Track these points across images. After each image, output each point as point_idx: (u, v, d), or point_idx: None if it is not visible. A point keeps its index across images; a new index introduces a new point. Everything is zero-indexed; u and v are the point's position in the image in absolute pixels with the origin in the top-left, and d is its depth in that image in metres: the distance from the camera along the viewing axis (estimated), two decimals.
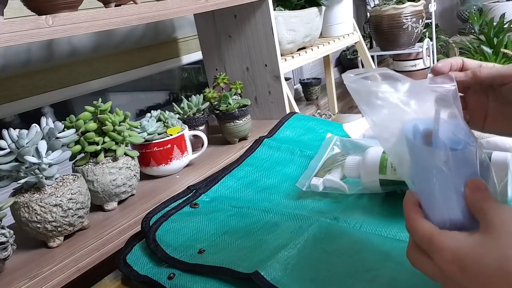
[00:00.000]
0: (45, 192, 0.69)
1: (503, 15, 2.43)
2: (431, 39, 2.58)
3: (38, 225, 0.67)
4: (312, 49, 1.47)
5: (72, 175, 0.75)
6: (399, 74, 0.40)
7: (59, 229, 0.69)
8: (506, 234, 0.31)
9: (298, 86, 2.49)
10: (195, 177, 0.92)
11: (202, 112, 1.09)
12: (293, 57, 1.35)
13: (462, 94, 0.50)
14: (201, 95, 1.11)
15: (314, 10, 1.42)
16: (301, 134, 0.92)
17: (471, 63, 0.49)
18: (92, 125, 0.79)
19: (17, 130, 0.68)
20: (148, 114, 0.95)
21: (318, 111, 2.17)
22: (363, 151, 0.67)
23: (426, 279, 0.36)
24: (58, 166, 0.71)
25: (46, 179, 0.69)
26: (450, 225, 0.35)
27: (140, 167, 0.89)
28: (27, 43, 0.66)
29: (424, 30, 2.57)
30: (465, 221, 0.35)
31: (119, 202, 0.84)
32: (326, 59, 2.06)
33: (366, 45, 2.28)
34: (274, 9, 1.26)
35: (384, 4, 2.40)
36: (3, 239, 0.63)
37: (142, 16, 0.82)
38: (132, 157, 0.84)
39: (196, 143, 1.01)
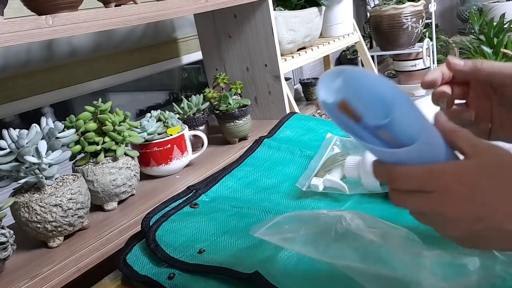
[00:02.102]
0: (45, 192, 0.69)
1: (503, 15, 2.43)
2: (431, 39, 2.58)
3: (38, 225, 0.67)
4: (312, 49, 1.47)
5: (72, 175, 0.75)
6: None
7: (59, 229, 0.69)
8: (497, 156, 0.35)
9: (298, 86, 2.49)
10: (195, 177, 0.92)
11: (202, 112, 1.09)
12: (293, 57, 1.35)
13: (463, 101, 0.48)
14: (201, 95, 1.11)
15: (314, 10, 1.42)
16: (301, 134, 0.92)
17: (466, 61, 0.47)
18: (92, 125, 0.79)
19: (17, 130, 0.68)
20: (148, 114, 0.95)
21: (318, 111, 2.17)
22: (363, 151, 0.67)
23: None
24: (58, 166, 0.71)
25: (46, 179, 0.69)
26: None
27: (140, 167, 0.89)
28: (27, 43, 0.66)
29: (424, 30, 2.57)
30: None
31: (119, 202, 0.84)
32: (326, 59, 2.06)
33: (366, 45, 2.28)
34: (274, 9, 1.26)
35: (384, 4, 2.40)
36: (3, 239, 0.63)
37: (142, 16, 0.82)
38: (132, 157, 0.84)
39: (196, 143, 1.01)
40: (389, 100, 0.36)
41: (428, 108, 0.73)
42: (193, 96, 1.10)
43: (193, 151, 0.98)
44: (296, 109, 1.31)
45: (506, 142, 0.48)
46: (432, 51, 2.59)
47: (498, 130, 0.47)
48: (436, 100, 0.47)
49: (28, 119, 1.12)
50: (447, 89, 0.47)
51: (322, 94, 0.37)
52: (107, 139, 0.80)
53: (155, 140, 0.91)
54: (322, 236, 0.47)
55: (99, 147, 0.79)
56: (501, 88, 0.45)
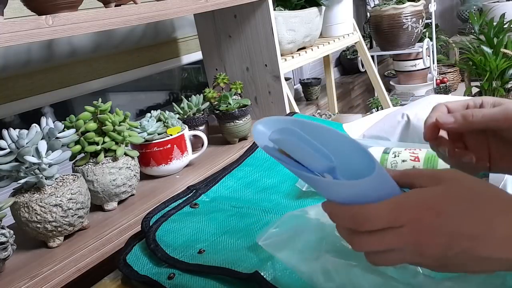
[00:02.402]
0: (45, 192, 0.69)
1: (503, 15, 2.43)
2: (431, 39, 2.58)
3: (38, 225, 0.67)
4: (312, 49, 1.47)
5: (72, 175, 0.75)
6: None
7: (59, 229, 0.69)
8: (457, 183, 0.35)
9: (298, 86, 2.49)
10: (195, 177, 0.92)
11: (202, 112, 1.09)
12: (293, 57, 1.35)
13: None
14: (201, 95, 1.11)
15: (314, 10, 1.42)
16: None
17: (455, 107, 0.45)
18: (92, 125, 0.79)
19: (17, 130, 0.68)
20: (148, 114, 0.95)
21: (318, 111, 2.17)
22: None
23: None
24: (58, 166, 0.71)
25: (46, 179, 0.69)
26: None
27: (140, 167, 0.89)
28: (27, 43, 0.66)
29: (424, 30, 2.57)
30: None
31: (119, 202, 0.84)
32: (326, 59, 2.06)
33: (366, 45, 2.28)
34: (274, 9, 1.26)
35: (384, 4, 2.40)
36: (3, 239, 0.63)
37: (142, 16, 0.82)
38: (132, 157, 0.84)
39: (196, 143, 1.01)
40: (331, 145, 0.36)
41: (429, 107, 0.72)
42: (193, 96, 1.10)
43: (193, 151, 0.98)
44: (296, 109, 1.31)
45: (507, 174, 0.47)
46: (432, 51, 2.59)
47: (498, 162, 0.46)
48: (437, 149, 0.46)
49: (28, 119, 1.12)
50: (443, 134, 0.46)
51: (260, 141, 0.37)
52: (107, 139, 0.80)
53: (155, 140, 0.91)
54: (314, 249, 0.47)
55: (99, 147, 0.79)
56: (498, 131, 0.44)
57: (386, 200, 0.35)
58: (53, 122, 0.73)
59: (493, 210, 0.33)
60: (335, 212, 0.37)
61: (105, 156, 0.80)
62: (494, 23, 2.32)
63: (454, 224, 0.33)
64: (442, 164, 0.58)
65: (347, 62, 2.91)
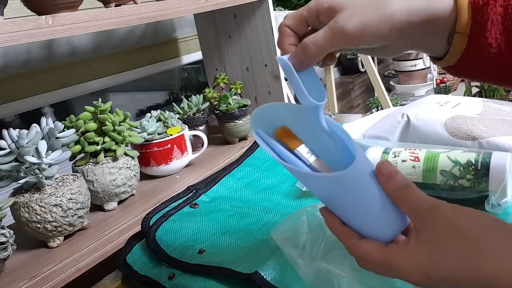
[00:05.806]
0: (45, 192, 0.69)
1: None
2: None
3: (38, 225, 0.67)
4: None
5: (72, 175, 0.75)
6: None
7: (59, 229, 0.69)
8: (450, 237, 0.34)
9: None
10: (195, 177, 0.92)
11: (202, 112, 1.09)
12: None
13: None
14: (201, 95, 1.11)
15: None
16: None
17: (295, 25, 0.41)
18: (92, 125, 0.79)
19: (17, 130, 0.68)
20: (148, 114, 0.95)
21: None
22: (363, 151, 0.67)
23: None
24: (58, 166, 0.71)
25: (46, 179, 0.69)
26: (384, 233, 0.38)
27: (140, 167, 0.89)
28: (27, 43, 0.66)
29: None
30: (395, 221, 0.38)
31: (119, 202, 0.84)
32: None
33: None
34: (274, 9, 1.26)
35: None
36: (3, 239, 0.63)
37: (142, 16, 0.82)
38: (132, 157, 0.84)
39: (196, 143, 1.01)
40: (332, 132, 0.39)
41: (429, 107, 0.73)
42: (193, 96, 1.10)
43: (193, 151, 0.98)
44: None
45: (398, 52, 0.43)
46: None
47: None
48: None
49: (28, 119, 1.12)
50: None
51: (255, 124, 0.40)
52: (107, 139, 0.81)
53: (155, 140, 0.91)
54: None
55: (99, 147, 0.79)
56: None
57: (375, 243, 0.37)
58: (53, 122, 0.73)
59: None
60: (329, 224, 0.40)
61: (105, 156, 0.80)
62: None
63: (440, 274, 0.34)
64: (442, 165, 0.58)
65: (347, 62, 2.91)
